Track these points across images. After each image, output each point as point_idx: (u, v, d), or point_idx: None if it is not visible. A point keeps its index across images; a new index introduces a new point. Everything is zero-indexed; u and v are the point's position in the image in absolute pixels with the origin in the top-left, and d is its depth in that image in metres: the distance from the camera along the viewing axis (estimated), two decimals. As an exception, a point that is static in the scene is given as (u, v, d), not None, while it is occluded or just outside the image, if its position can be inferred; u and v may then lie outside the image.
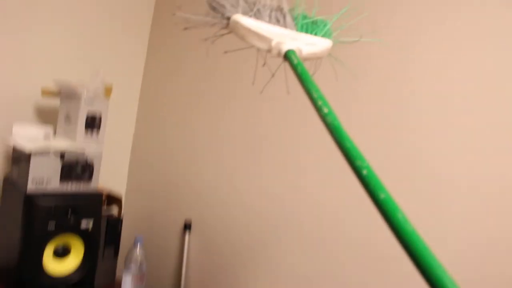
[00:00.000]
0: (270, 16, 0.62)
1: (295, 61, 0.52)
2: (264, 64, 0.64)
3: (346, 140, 0.37)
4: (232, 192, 1.27)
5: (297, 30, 0.62)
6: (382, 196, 0.31)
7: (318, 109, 0.43)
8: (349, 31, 0.78)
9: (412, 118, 0.95)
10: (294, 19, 0.64)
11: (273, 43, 0.56)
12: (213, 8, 0.63)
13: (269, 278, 1.17)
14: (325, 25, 0.65)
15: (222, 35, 0.64)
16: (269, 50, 0.57)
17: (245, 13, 0.60)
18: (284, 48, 0.55)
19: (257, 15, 0.61)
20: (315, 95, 0.45)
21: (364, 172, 0.34)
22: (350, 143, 0.37)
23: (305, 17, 0.66)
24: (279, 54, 0.56)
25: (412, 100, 0.95)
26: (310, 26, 0.64)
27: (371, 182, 0.33)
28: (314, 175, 1.10)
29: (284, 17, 0.64)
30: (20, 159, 1.07)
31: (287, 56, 0.54)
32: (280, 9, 0.65)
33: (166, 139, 1.48)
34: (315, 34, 0.63)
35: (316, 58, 0.61)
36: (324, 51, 0.62)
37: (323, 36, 0.63)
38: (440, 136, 0.91)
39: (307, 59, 0.58)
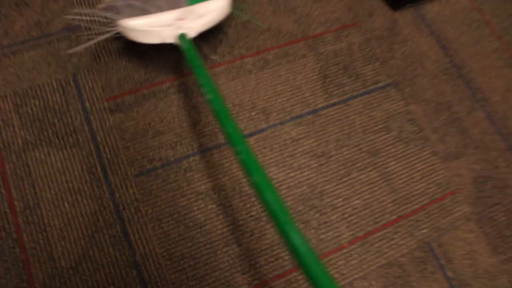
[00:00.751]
0: None
1: (185, 46, 0.52)
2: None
3: (228, 127, 0.39)
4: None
5: (187, 3, 0.60)
6: (255, 178, 0.34)
7: (204, 95, 0.44)
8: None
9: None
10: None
11: (164, 34, 0.56)
12: (102, 21, 0.62)
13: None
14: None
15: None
16: (165, 42, 0.56)
17: (132, 12, 0.59)
18: (174, 35, 0.55)
19: (145, 9, 0.60)
20: (202, 81, 0.46)
21: (242, 156, 0.36)
22: (232, 129, 0.39)
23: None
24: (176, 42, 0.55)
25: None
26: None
27: (247, 166, 0.35)
28: None
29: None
30: None
31: (180, 43, 0.54)
32: None
33: None
34: (207, -1, 0.60)
35: (216, 24, 0.60)
36: (220, 13, 0.60)
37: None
38: None
39: (204, 31, 0.58)
